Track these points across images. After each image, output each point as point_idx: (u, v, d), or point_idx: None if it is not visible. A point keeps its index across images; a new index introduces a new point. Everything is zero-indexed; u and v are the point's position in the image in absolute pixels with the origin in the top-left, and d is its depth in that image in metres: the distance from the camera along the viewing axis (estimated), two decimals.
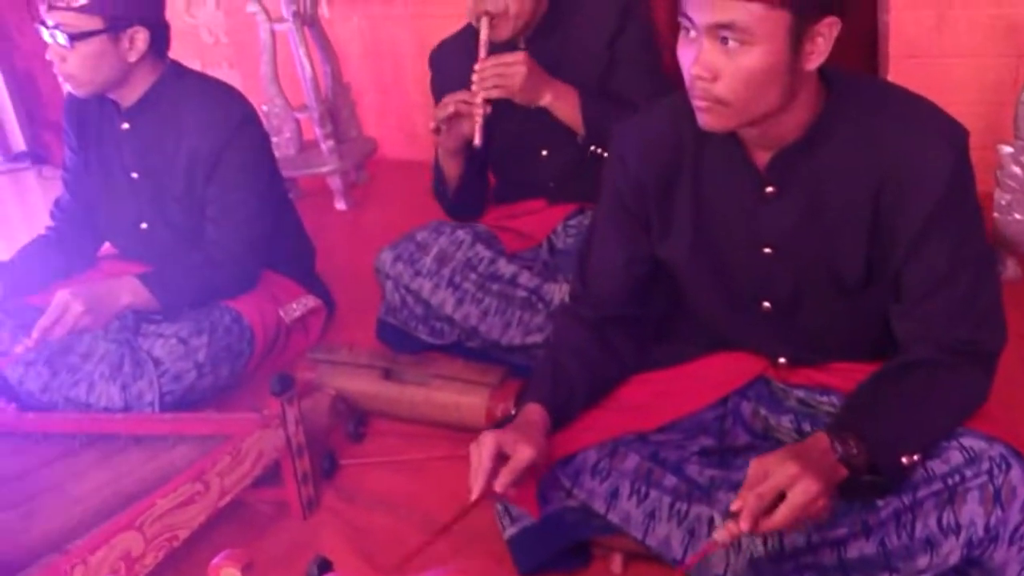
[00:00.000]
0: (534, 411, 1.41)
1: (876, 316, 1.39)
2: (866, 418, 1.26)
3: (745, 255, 1.42)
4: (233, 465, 1.58)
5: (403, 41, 3.09)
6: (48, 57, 1.93)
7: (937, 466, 1.23)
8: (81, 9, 1.84)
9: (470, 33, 2.01)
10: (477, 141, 1.93)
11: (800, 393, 1.48)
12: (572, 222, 2.10)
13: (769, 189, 1.36)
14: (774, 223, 1.37)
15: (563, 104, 1.96)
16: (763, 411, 1.48)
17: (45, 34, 1.93)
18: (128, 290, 1.91)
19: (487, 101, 1.91)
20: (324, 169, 2.95)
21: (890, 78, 2.54)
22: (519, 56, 1.91)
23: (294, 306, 2.16)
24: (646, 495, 1.40)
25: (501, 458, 1.31)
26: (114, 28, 1.88)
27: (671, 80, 2.08)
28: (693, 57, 1.22)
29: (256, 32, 2.99)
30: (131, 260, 2.16)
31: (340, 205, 3.02)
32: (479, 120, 1.91)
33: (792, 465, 1.16)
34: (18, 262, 2.12)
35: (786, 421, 1.47)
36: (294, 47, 2.85)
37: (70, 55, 1.88)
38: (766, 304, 1.44)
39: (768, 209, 1.37)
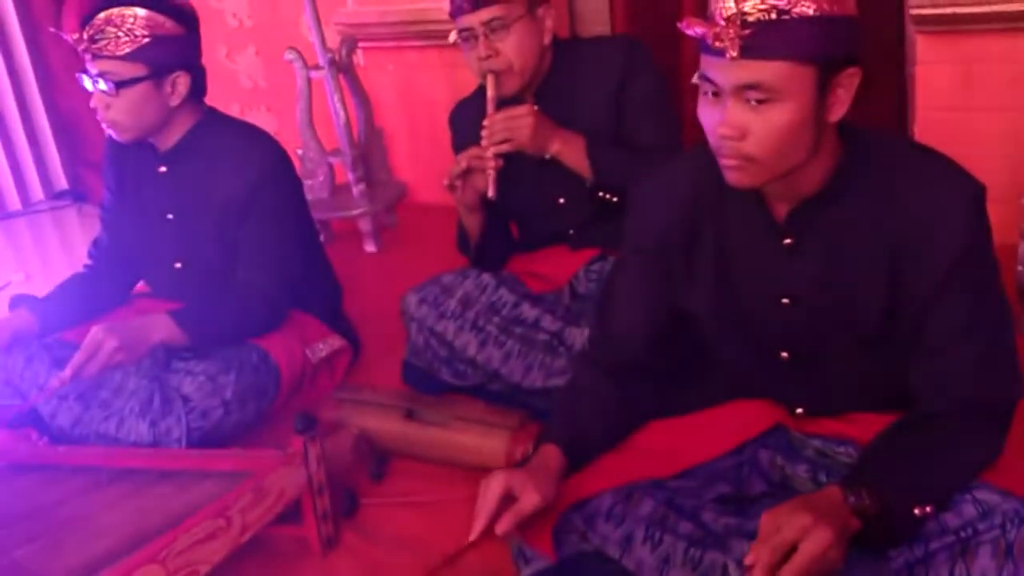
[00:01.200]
0: (551, 453, 1.43)
1: (894, 368, 1.39)
2: (880, 470, 1.27)
3: (764, 306, 1.43)
4: (255, 502, 1.60)
5: (436, 89, 3.16)
6: (92, 105, 1.99)
7: (950, 519, 1.23)
8: (125, 57, 1.92)
9: (481, 93, 2.07)
10: (491, 194, 1.98)
11: (817, 443, 1.48)
12: (593, 267, 2.13)
13: (787, 241, 1.38)
14: (792, 274, 1.39)
15: (571, 151, 2.00)
16: (780, 460, 1.48)
17: (87, 83, 2.00)
18: (161, 326, 1.96)
19: (498, 154, 1.96)
20: (355, 212, 3.01)
21: (916, 130, 2.55)
22: (526, 108, 1.97)
23: (320, 346, 2.20)
24: (660, 540, 1.40)
25: (509, 499, 1.32)
26: (157, 74, 1.96)
27: (679, 124, 2.14)
28: (719, 118, 1.24)
29: (293, 78, 3.07)
30: (164, 298, 2.21)
31: (370, 247, 3.07)
32: (492, 173, 1.96)
33: (804, 516, 1.16)
34: (55, 298, 2.18)
35: (802, 471, 1.47)
36: (329, 94, 2.93)
37: (115, 102, 1.95)
38: (784, 354, 1.45)
39: (786, 261, 1.39)
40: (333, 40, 3.04)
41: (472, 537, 1.31)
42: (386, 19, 3.06)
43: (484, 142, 1.96)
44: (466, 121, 2.15)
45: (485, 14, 1.93)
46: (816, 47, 1.19)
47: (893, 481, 1.23)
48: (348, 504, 1.82)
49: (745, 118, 1.23)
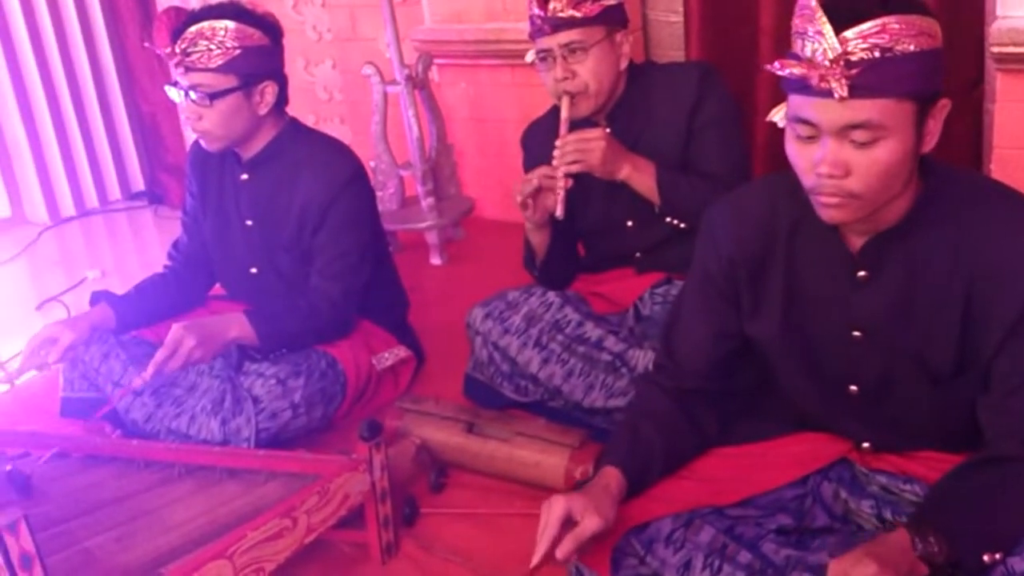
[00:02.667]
0: (611, 475, 1.43)
1: (963, 407, 1.38)
2: (948, 514, 1.25)
3: (834, 338, 1.43)
4: (320, 504, 1.64)
5: (507, 108, 3.20)
6: (184, 116, 2.06)
7: (1017, 564, 1.22)
8: (218, 69, 1.98)
9: (554, 113, 2.10)
10: (559, 213, 1.99)
11: (883, 479, 1.47)
12: (659, 290, 2.14)
13: (861, 273, 1.37)
14: (865, 307, 1.39)
15: (640, 177, 2.01)
16: (844, 494, 1.48)
17: (174, 94, 2.07)
18: (235, 325, 2.02)
19: (568, 175, 1.98)
20: (423, 225, 3.05)
21: (992, 168, 2.52)
22: (598, 132, 1.99)
23: (386, 355, 2.24)
24: (719, 569, 1.40)
25: (569, 523, 1.33)
26: (247, 84, 2.02)
27: (748, 151, 2.15)
28: (820, 157, 1.24)
29: (368, 92, 3.13)
30: (239, 301, 2.28)
31: (436, 260, 3.12)
32: (561, 193, 1.98)
33: (871, 564, 1.15)
34: (134, 297, 2.25)
35: (866, 506, 1.46)
36: (404, 108, 2.98)
37: (207, 113, 2.01)
38: (853, 388, 1.44)
39: (860, 293, 1.38)
40: (410, 56, 3.10)
41: (534, 562, 1.32)
42: (463, 37, 3.11)
43: (555, 162, 1.98)
44: (538, 141, 2.18)
45: (564, 37, 1.95)
46: (917, 82, 1.20)
47: (963, 527, 1.22)
48: (409, 513, 1.86)
49: (848, 156, 1.23)
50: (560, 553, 1.31)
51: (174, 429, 1.99)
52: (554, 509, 1.33)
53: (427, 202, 3.03)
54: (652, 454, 1.49)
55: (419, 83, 3.02)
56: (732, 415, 1.59)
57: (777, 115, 1.34)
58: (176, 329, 1.90)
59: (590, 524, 1.31)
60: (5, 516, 1.21)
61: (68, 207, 4.26)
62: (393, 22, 2.89)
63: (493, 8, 3.08)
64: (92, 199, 4.35)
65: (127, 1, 4.09)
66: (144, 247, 4.05)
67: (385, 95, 3.05)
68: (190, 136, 3.91)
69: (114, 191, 4.42)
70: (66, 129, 4.20)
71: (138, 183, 4.49)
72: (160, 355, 1.89)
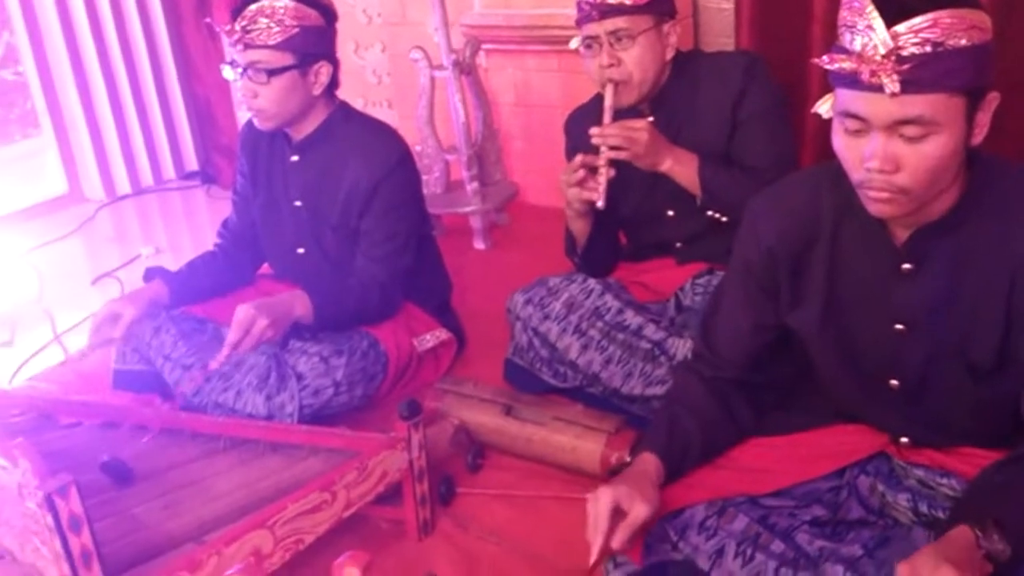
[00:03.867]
0: (649, 461, 1.44)
1: (1005, 402, 1.37)
2: (1004, 509, 1.22)
3: (876, 331, 1.42)
4: (359, 480, 1.68)
5: (553, 94, 3.21)
6: (242, 94, 2.10)
7: None
8: (276, 47, 2.02)
9: (599, 100, 2.09)
10: (600, 203, 1.98)
11: (920, 473, 1.46)
12: (700, 281, 2.13)
13: (906, 266, 1.36)
14: (908, 300, 1.38)
15: (683, 169, 2.00)
16: (881, 487, 1.47)
17: (229, 72, 2.11)
18: (299, 303, 2.05)
19: (610, 164, 1.97)
20: (467, 209, 3.08)
21: None
22: (643, 123, 1.97)
23: (427, 337, 2.27)
24: (751, 557, 1.41)
25: (617, 513, 1.34)
26: (303, 63, 2.05)
27: (794, 143, 2.12)
28: (869, 152, 1.23)
29: (416, 76, 3.16)
30: (285, 281, 2.32)
31: (479, 245, 3.14)
32: (603, 182, 1.97)
33: (948, 570, 1.12)
34: (185, 274, 2.30)
35: (903, 500, 1.46)
36: (450, 93, 3.00)
37: (263, 90, 2.05)
38: (893, 382, 1.44)
39: (903, 286, 1.37)
40: (458, 41, 3.11)
41: (592, 559, 1.32)
42: (511, 23, 3.11)
43: (597, 145, 1.97)
44: (581, 127, 2.17)
45: (611, 24, 1.95)
46: (968, 76, 1.19)
47: (1018, 521, 1.20)
48: (445, 491, 1.89)
49: (898, 151, 1.22)
50: (616, 544, 1.32)
51: (221, 403, 2.04)
52: (602, 501, 1.33)
53: (472, 187, 3.05)
54: (689, 442, 1.49)
55: (466, 68, 3.03)
56: (769, 406, 1.59)
57: (823, 107, 1.33)
58: (246, 309, 1.92)
59: (640, 512, 1.32)
60: (56, 480, 1.25)
61: (124, 185, 4.35)
62: (442, 7, 2.90)
63: None
64: (147, 178, 4.44)
65: None
66: (196, 226, 4.12)
67: (432, 80, 3.07)
68: (243, 118, 3.99)
69: (168, 170, 4.51)
70: (123, 109, 4.29)
71: (191, 163, 4.57)
72: (233, 336, 1.91)
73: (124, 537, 1.57)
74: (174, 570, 1.42)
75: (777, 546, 1.41)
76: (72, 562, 1.28)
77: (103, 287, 3.30)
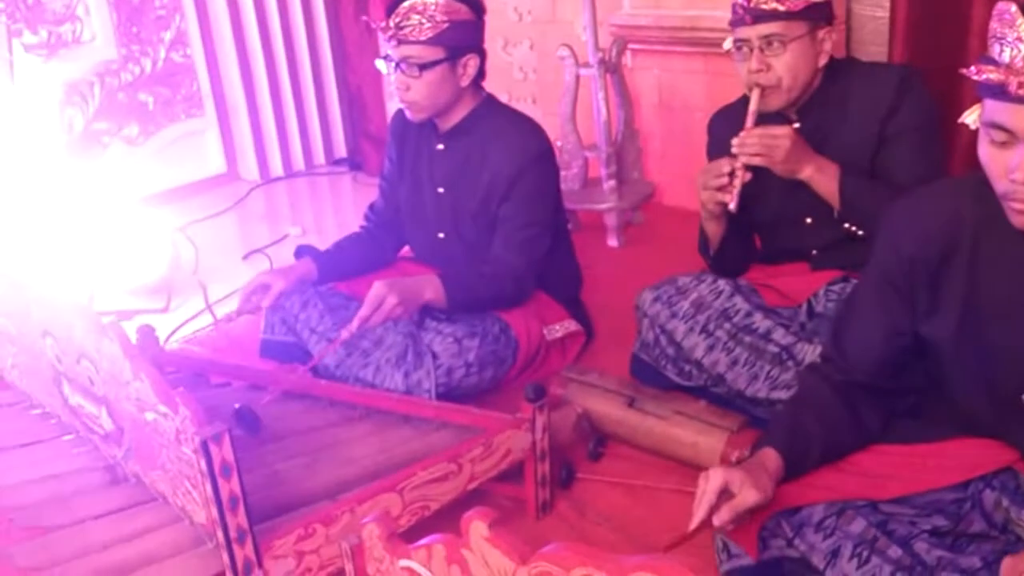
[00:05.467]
0: (770, 456, 1.46)
1: None
2: None
3: (1014, 345, 1.40)
4: (484, 456, 1.75)
5: (696, 96, 3.22)
6: (395, 86, 2.20)
7: None
8: (428, 41, 2.12)
9: (743, 103, 2.08)
10: (732, 206, 1.98)
11: None
12: (835, 288, 2.10)
13: None
14: None
15: (823, 179, 1.97)
16: (1006, 502, 1.44)
17: (383, 66, 2.22)
18: (430, 287, 2.15)
19: (747, 169, 1.96)
20: (603, 206, 3.12)
21: None
22: (786, 130, 1.95)
23: (557, 327, 2.33)
24: (867, 560, 1.41)
25: (726, 494, 1.37)
26: (453, 56, 2.15)
27: (944, 159, 2.05)
28: (1015, 163, 1.22)
29: (561, 74, 3.22)
30: (425, 263, 2.43)
31: (612, 242, 3.18)
32: (737, 186, 1.96)
33: None
34: (333, 253, 2.44)
35: None
36: (594, 91, 3.05)
37: (415, 83, 2.15)
38: None
39: None
40: (605, 40, 3.16)
41: (692, 526, 1.36)
42: (660, 23, 3.14)
43: (735, 150, 1.97)
44: (724, 128, 2.18)
45: (764, 28, 1.93)
46: None
47: None
48: (565, 475, 1.94)
49: None
50: (717, 520, 1.35)
51: (360, 377, 2.15)
52: (712, 479, 1.37)
53: (609, 184, 3.10)
54: (810, 442, 1.50)
55: (611, 67, 3.08)
56: (895, 414, 1.58)
57: (970, 117, 1.33)
58: (379, 286, 2.04)
59: (748, 496, 1.35)
60: (212, 428, 1.37)
61: (277, 168, 4.60)
62: (592, 5, 2.96)
63: None
64: (299, 162, 4.67)
65: None
66: (340, 209, 4.32)
67: (577, 77, 3.12)
68: (392, 108, 4.15)
69: (319, 156, 4.73)
70: (281, 96, 4.53)
71: (340, 150, 4.78)
72: (364, 310, 2.04)
73: (266, 489, 1.69)
74: (310, 523, 1.52)
75: (894, 552, 1.40)
76: (220, 506, 1.40)
77: (253, 262, 3.50)
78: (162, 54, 4.31)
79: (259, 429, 1.88)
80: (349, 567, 1.17)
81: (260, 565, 1.46)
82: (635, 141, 3.29)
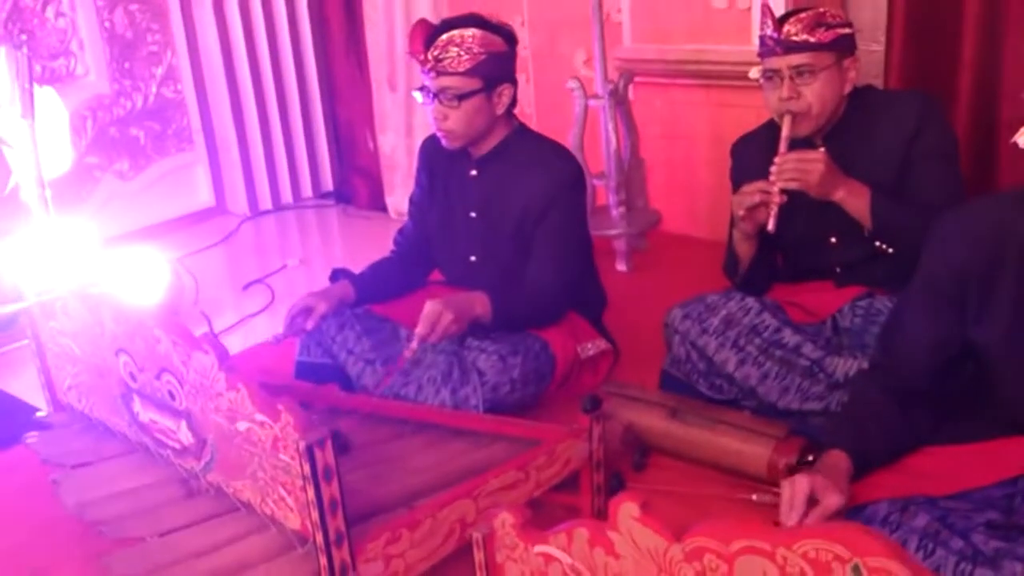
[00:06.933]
0: (839, 457, 1.54)
1: None
2: None
3: None
4: (546, 464, 1.82)
5: (698, 126, 3.34)
6: (432, 116, 2.27)
7: None
8: (466, 73, 2.20)
9: (768, 129, 2.20)
10: (771, 227, 2.08)
11: None
12: (861, 303, 2.19)
13: None
14: None
15: (855, 201, 2.07)
16: None
17: (419, 96, 2.29)
18: (479, 303, 2.22)
19: (783, 191, 2.06)
20: (613, 232, 3.22)
21: None
22: (819, 155, 2.05)
23: (589, 346, 2.41)
24: (933, 552, 1.48)
25: (810, 500, 1.44)
26: (489, 87, 2.23)
27: (963, 182, 2.19)
28: None
29: (559, 105, 3.31)
30: (455, 287, 2.48)
31: (621, 267, 3.28)
32: (775, 208, 2.06)
33: None
34: (368, 276, 2.49)
35: None
36: (604, 122, 3.16)
37: (453, 113, 2.23)
38: None
39: None
40: (609, 73, 3.26)
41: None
42: (664, 56, 3.27)
43: (772, 178, 2.07)
44: (748, 154, 2.29)
45: (795, 59, 2.05)
46: None
47: None
48: (616, 485, 2.00)
49: None
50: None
51: (401, 396, 2.20)
52: (798, 486, 1.44)
53: (618, 211, 3.20)
54: (872, 443, 1.58)
55: (619, 98, 3.19)
56: (945, 416, 1.67)
57: (1022, 138, 1.44)
58: (433, 305, 2.10)
59: (833, 502, 1.42)
60: (316, 432, 1.42)
61: (266, 201, 4.62)
62: (601, 38, 3.07)
63: (695, 29, 3.23)
64: (287, 195, 4.70)
65: (336, 16, 4.43)
66: (329, 242, 4.37)
67: (586, 108, 3.23)
68: (386, 142, 4.22)
69: (307, 189, 4.77)
70: (270, 131, 4.57)
71: (328, 183, 4.82)
72: (422, 328, 2.09)
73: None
74: (397, 527, 1.57)
75: (956, 543, 1.48)
76: (322, 509, 1.43)
77: (253, 293, 3.53)
78: (153, 89, 4.33)
79: (348, 450, 1.91)
80: (479, 556, 1.22)
81: (354, 568, 1.50)
82: (640, 170, 3.40)
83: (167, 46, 4.35)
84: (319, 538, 1.45)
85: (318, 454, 1.41)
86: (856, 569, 0.91)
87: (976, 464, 1.60)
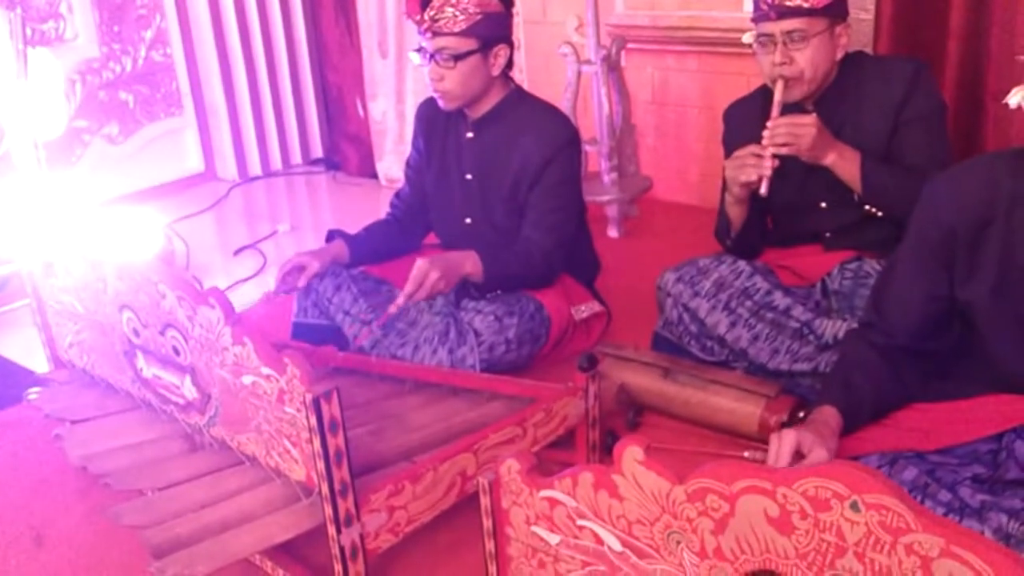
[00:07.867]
0: (830, 413, 1.58)
1: None
2: None
3: None
4: (544, 421, 1.85)
5: (689, 94, 3.36)
6: (429, 77, 2.29)
7: None
8: (462, 33, 2.21)
9: (760, 95, 2.22)
10: (764, 191, 2.11)
11: None
12: (849, 266, 2.23)
13: None
14: None
15: (846, 165, 2.10)
16: None
17: (416, 57, 2.30)
18: (470, 261, 2.25)
19: (775, 156, 2.09)
20: (604, 198, 3.24)
21: None
22: (811, 119, 2.08)
23: (583, 308, 2.44)
24: (921, 504, 1.52)
25: (796, 455, 1.48)
26: (485, 47, 2.25)
27: (951, 148, 2.23)
28: None
29: (550, 72, 3.32)
30: (451, 249, 2.50)
31: (613, 232, 3.31)
32: (767, 172, 2.09)
33: None
34: (363, 238, 2.51)
35: None
36: (596, 87, 3.17)
37: (449, 74, 2.25)
38: None
39: None
40: (602, 39, 3.27)
41: None
42: (656, 23, 3.28)
43: (765, 142, 2.09)
44: (741, 119, 2.32)
45: (788, 24, 2.07)
46: None
47: None
48: (610, 442, 2.04)
49: None
50: None
51: (399, 356, 2.23)
52: (785, 440, 1.48)
53: (610, 177, 3.22)
54: (862, 399, 1.63)
55: (612, 65, 3.20)
56: (933, 374, 1.71)
57: (1013, 99, 1.47)
58: (422, 263, 2.13)
59: (819, 456, 1.46)
60: (322, 385, 1.44)
61: (255, 167, 4.62)
62: (595, 5, 3.08)
63: None
64: (276, 161, 4.70)
65: None
66: (320, 208, 4.37)
67: (579, 74, 3.24)
68: (376, 108, 4.22)
69: (296, 155, 4.77)
70: (260, 96, 4.56)
71: (318, 150, 4.82)
72: (409, 286, 2.12)
73: None
74: (400, 479, 1.60)
75: (944, 496, 1.53)
76: (328, 460, 1.46)
77: (244, 258, 3.54)
78: (143, 53, 4.31)
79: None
80: (485, 502, 1.25)
81: (358, 518, 1.53)
82: (632, 136, 3.42)
83: (156, 9, 4.32)
84: (324, 488, 1.48)
85: (324, 407, 1.44)
86: (855, 505, 0.94)
87: (963, 420, 1.65)
